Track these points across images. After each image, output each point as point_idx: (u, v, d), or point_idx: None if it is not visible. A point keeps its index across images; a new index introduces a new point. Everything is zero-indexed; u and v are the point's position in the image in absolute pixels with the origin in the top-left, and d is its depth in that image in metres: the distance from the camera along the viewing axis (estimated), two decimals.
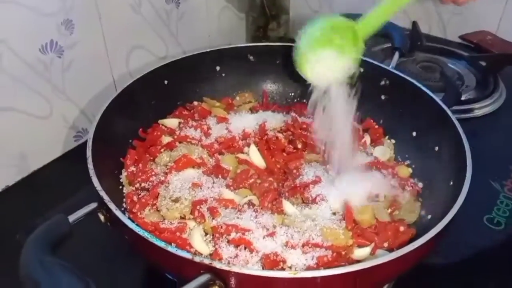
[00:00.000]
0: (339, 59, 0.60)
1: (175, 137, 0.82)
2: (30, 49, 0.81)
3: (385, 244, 0.64)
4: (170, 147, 0.80)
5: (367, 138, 0.84)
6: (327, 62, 0.60)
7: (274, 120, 0.87)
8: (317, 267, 0.60)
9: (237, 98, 0.95)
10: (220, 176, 0.75)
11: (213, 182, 0.73)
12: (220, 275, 0.48)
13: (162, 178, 0.73)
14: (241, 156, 0.79)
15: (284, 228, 0.65)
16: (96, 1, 0.89)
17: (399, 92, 0.84)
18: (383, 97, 0.87)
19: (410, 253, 0.52)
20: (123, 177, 0.74)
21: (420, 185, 0.75)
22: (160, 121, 0.85)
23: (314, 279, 0.48)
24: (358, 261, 0.59)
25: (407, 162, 0.80)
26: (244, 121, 0.86)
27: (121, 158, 0.76)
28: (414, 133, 0.81)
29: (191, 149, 0.78)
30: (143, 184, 0.73)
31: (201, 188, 0.71)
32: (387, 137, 0.85)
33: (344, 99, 0.68)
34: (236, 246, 0.62)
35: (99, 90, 0.96)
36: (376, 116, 0.88)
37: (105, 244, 0.72)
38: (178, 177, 0.73)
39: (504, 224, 0.79)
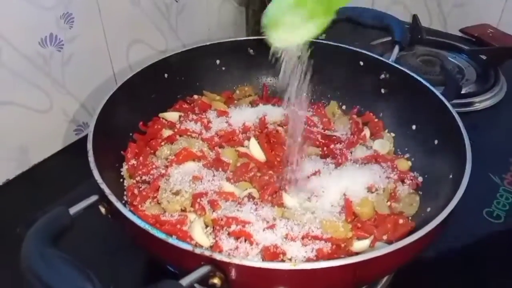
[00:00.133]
0: (306, 24, 0.57)
1: (176, 130, 0.82)
2: (30, 43, 0.81)
3: (385, 237, 0.65)
4: (170, 140, 0.80)
5: (366, 131, 0.84)
6: (294, 25, 0.57)
7: (274, 114, 0.87)
8: (317, 259, 0.60)
9: (237, 91, 0.95)
10: (220, 169, 0.75)
11: (214, 175, 0.73)
12: (221, 267, 0.48)
13: (163, 171, 0.73)
14: (241, 149, 0.79)
15: (284, 220, 0.66)
16: None
17: (399, 86, 0.83)
18: (383, 90, 0.87)
19: (409, 245, 0.52)
20: (124, 170, 0.74)
21: (420, 178, 0.75)
22: (160, 115, 0.85)
23: (313, 270, 0.48)
24: (357, 254, 0.60)
25: (407, 155, 0.80)
26: (244, 115, 0.86)
27: (121, 151, 0.76)
28: (414, 127, 0.81)
29: (191, 142, 0.78)
30: (143, 177, 0.73)
31: (201, 181, 0.72)
32: (386, 130, 0.85)
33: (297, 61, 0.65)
34: (237, 238, 0.62)
35: (99, 84, 0.96)
36: (375, 110, 0.88)
37: (106, 237, 0.73)
38: (179, 170, 0.73)
39: (504, 217, 0.80)
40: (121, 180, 0.73)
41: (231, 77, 0.94)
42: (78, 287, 0.43)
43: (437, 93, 0.76)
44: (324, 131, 0.85)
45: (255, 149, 0.78)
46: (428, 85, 0.78)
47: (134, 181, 0.73)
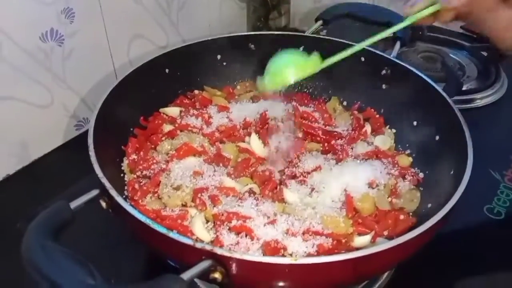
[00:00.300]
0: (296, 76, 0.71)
1: (176, 125, 0.82)
2: (30, 38, 0.81)
3: (385, 233, 0.65)
4: (171, 135, 0.80)
5: (367, 127, 0.84)
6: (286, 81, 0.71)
7: (275, 109, 0.86)
8: (318, 254, 0.61)
9: (238, 87, 0.94)
10: (221, 165, 0.75)
11: (214, 171, 0.73)
12: (221, 261, 0.48)
13: (164, 166, 0.73)
14: (242, 145, 0.79)
15: (284, 216, 0.66)
16: None
17: (400, 82, 0.83)
18: (384, 86, 0.86)
19: (409, 241, 0.52)
20: (125, 165, 0.74)
21: (421, 174, 0.75)
22: (161, 110, 0.85)
23: (314, 265, 0.48)
24: (358, 249, 0.59)
25: (408, 151, 0.80)
26: (245, 110, 0.86)
27: (122, 146, 0.76)
28: (415, 123, 0.81)
29: (192, 137, 0.78)
30: (144, 172, 0.73)
31: (202, 176, 0.72)
32: (387, 126, 0.85)
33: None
34: (237, 233, 0.63)
35: (99, 79, 0.96)
36: (377, 106, 0.88)
37: (107, 232, 0.73)
38: (179, 165, 0.73)
39: (504, 214, 0.80)
40: (122, 175, 0.73)
41: (232, 73, 0.94)
42: (79, 280, 0.43)
43: (439, 88, 0.76)
44: (325, 127, 0.85)
45: (256, 145, 0.78)
46: (429, 80, 0.78)
47: (135, 176, 0.73)
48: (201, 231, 0.63)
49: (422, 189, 0.73)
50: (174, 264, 0.57)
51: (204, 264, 0.48)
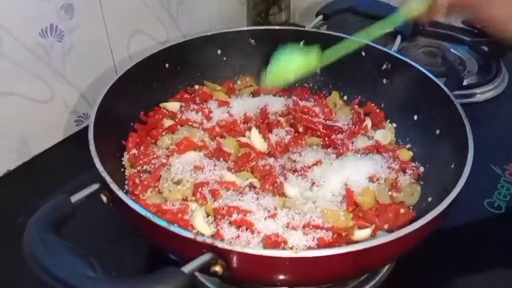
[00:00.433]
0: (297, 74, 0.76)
1: (177, 120, 0.82)
2: (30, 33, 0.81)
3: (386, 226, 0.65)
4: (171, 130, 0.80)
5: (368, 122, 0.84)
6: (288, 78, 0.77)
7: (275, 104, 0.86)
8: (318, 248, 0.61)
9: (238, 82, 0.94)
10: (221, 159, 0.75)
11: (215, 165, 0.73)
12: (222, 254, 0.48)
13: (164, 161, 0.73)
14: (242, 139, 0.79)
15: (285, 210, 0.66)
16: None
17: (401, 76, 0.83)
18: (384, 81, 0.86)
19: (409, 234, 0.52)
20: (125, 159, 0.74)
21: (421, 168, 0.75)
22: (161, 105, 0.85)
23: (314, 258, 0.48)
24: (358, 242, 0.60)
25: (408, 145, 0.80)
26: (245, 105, 0.86)
27: (122, 141, 0.76)
28: (415, 117, 0.80)
29: (192, 132, 0.78)
30: (145, 167, 0.73)
31: (202, 171, 0.72)
32: (388, 120, 0.85)
33: None
34: (238, 227, 0.63)
35: (99, 74, 0.96)
36: (377, 100, 0.87)
37: (108, 226, 0.73)
38: (180, 160, 0.73)
39: (505, 208, 0.80)
40: (122, 169, 0.74)
41: (232, 67, 0.94)
42: (80, 273, 0.43)
43: (439, 83, 0.76)
44: (326, 121, 0.84)
45: (256, 139, 0.78)
46: (430, 75, 0.78)
47: (135, 170, 0.73)
48: (201, 225, 0.63)
49: (422, 183, 0.73)
50: (175, 257, 0.57)
51: (205, 257, 0.48)
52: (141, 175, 0.72)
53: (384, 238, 0.51)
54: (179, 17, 1.10)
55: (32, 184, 0.85)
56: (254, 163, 0.75)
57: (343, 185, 0.70)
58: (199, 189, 0.68)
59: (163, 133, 0.79)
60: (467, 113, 0.69)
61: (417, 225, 0.52)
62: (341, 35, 0.85)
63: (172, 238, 0.50)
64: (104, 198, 0.57)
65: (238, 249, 0.48)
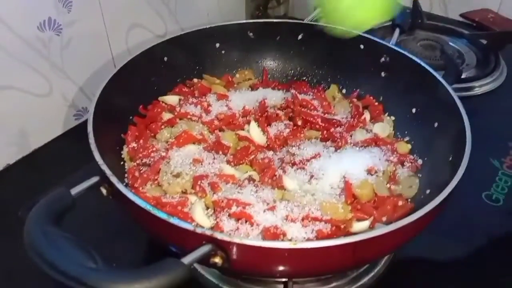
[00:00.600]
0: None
1: (176, 113, 0.82)
2: (28, 27, 0.80)
3: (384, 218, 0.65)
4: (170, 123, 0.80)
5: (366, 115, 0.84)
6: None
7: (274, 97, 0.87)
8: (317, 240, 0.61)
9: (237, 75, 0.94)
10: (220, 152, 0.75)
11: (214, 158, 0.74)
12: (222, 246, 0.48)
13: (163, 154, 0.73)
14: (241, 132, 0.79)
15: (284, 202, 0.66)
16: None
17: (399, 69, 0.83)
18: (383, 74, 0.86)
19: (407, 226, 0.52)
20: (124, 153, 0.74)
21: (419, 161, 0.75)
22: (160, 98, 0.85)
23: (313, 249, 0.49)
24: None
25: (407, 138, 0.80)
26: (244, 98, 0.86)
27: (122, 135, 0.76)
28: (413, 110, 0.81)
29: (191, 125, 0.78)
30: (144, 160, 0.73)
31: (202, 164, 0.72)
32: (386, 113, 0.85)
33: None
34: (237, 219, 0.63)
35: (98, 68, 0.96)
36: (376, 93, 0.88)
37: (108, 218, 0.73)
38: (179, 153, 0.73)
39: (503, 200, 0.80)
40: (122, 162, 0.74)
41: (231, 61, 0.94)
42: (81, 265, 0.44)
43: (438, 76, 0.76)
44: (324, 114, 0.85)
45: (255, 133, 0.79)
46: (429, 68, 0.78)
47: (135, 163, 0.73)
48: (201, 218, 0.63)
49: (420, 175, 0.73)
50: (175, 249, 0.57)
51: (205, 249, 0.48)
52: (141, 168, 0.72)
53: (381, 230, 0.51)
54: (177, 10, 1.09)
55: (32, 177, 0.85)
56: (253, 156, 0.75)
57: (341, 177, 0.71)
58: (199, 182, 0.68)
59: (162, 126, 0.80)
60: (465, 106, 0.69)
61: (414, 217, 0.53)
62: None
63: (172, 230, 0.50)
64: (104, 191, 0.57)
65: (237, 240, 0.48)
